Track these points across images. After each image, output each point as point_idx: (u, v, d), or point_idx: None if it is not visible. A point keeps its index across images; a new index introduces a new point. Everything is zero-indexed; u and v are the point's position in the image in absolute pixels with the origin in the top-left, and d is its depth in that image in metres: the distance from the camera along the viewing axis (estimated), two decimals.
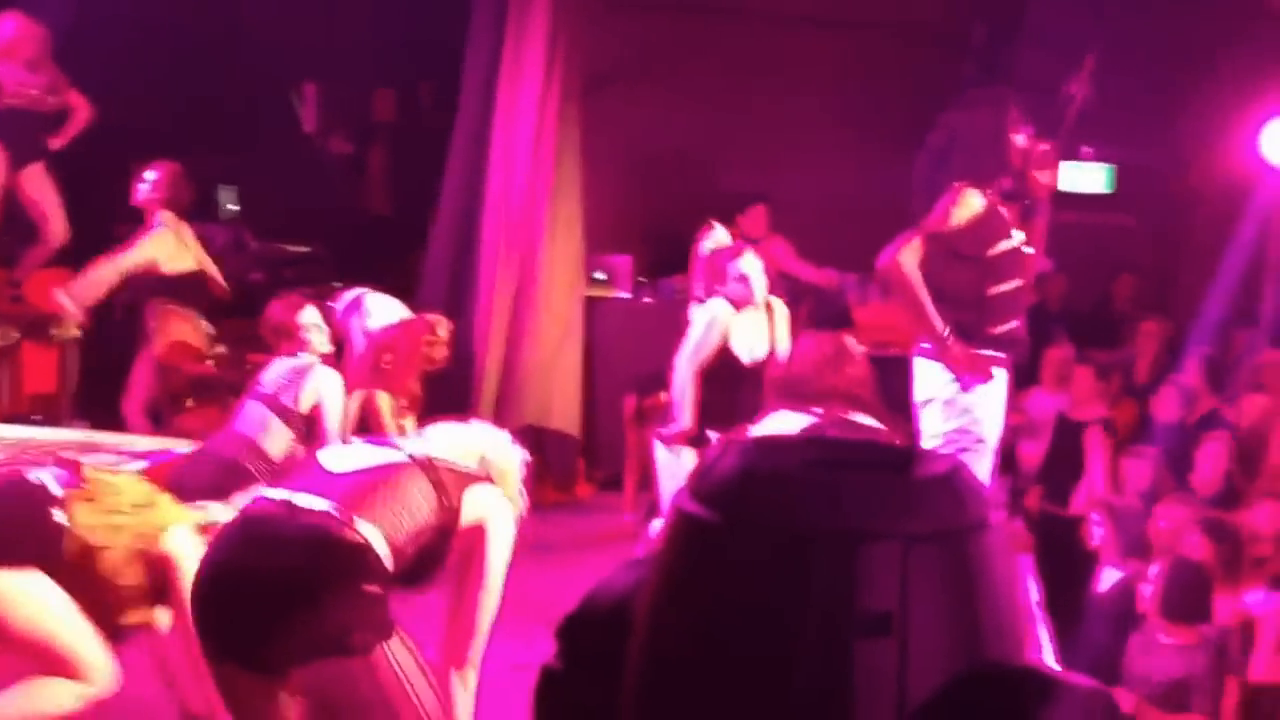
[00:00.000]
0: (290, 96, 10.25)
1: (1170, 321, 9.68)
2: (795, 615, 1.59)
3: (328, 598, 3.15)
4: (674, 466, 6.23)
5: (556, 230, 8.15)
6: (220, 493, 5.33)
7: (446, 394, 6.82)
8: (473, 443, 3.73)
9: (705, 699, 1.66)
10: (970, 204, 5.33)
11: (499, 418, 7.69)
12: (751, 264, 6.32)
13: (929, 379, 5.37)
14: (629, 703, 1.75)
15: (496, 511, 3.57)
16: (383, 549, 3.24)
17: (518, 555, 3.63)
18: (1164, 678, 5.69)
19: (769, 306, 6.40)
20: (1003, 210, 5.45)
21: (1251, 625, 5.83)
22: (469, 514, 3.49)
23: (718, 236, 6.61)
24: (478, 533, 3.52)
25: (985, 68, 9.21)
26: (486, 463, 3.68)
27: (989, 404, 5.38)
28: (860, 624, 1.57)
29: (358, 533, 3.21)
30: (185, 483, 5.45)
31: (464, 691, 3.56)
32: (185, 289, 7.20)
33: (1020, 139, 5.43)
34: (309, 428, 5.65)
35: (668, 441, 6.27)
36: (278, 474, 5.42)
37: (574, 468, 8.63)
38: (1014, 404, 8.95)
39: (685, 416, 6.16)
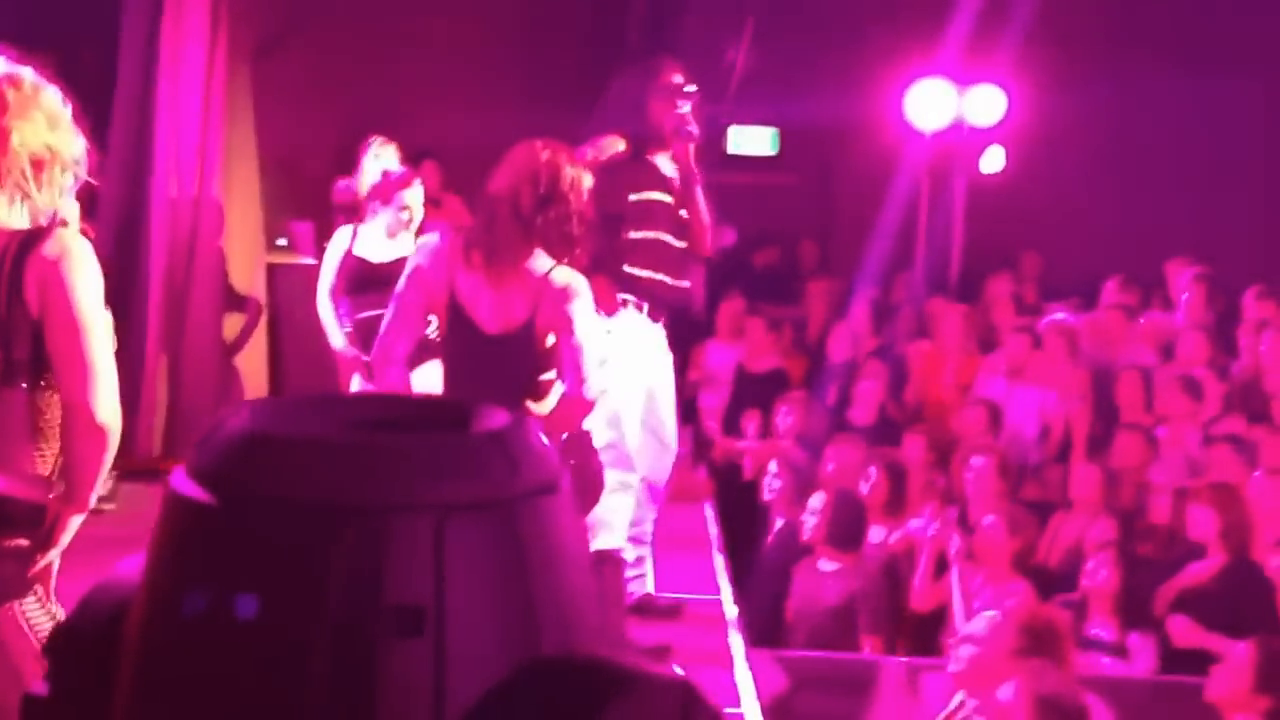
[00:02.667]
0: None
1: (836, 280, 10.21)
2: (307, 615, 1.28)
3: None
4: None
5: (232, 195, 7.95)
6: None
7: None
8: None
9: None
10: (609, 150, 5.29)
11: (178, 392, 7.52)
12: (415, 197, 6.41)
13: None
14: None
15: (66, 252, 2.96)
16: (22, 489, 2.91)
17: None
18: (829, 604, 6.06)
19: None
20: (655, 164, 5.38)
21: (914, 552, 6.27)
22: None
23: (387, 158, 6.66)
24: (55, 291, 2.92)
25: (648, 32, 9.40)
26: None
27: (626, 350, 5.27)
28: (386, 621, 1.29)
29: None
30: None
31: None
32: None
33: (685, 107, 5.40)
34: None
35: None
36: None
37: None
38: (690, 359, 9.34)
39: (334, 339, 6.39)
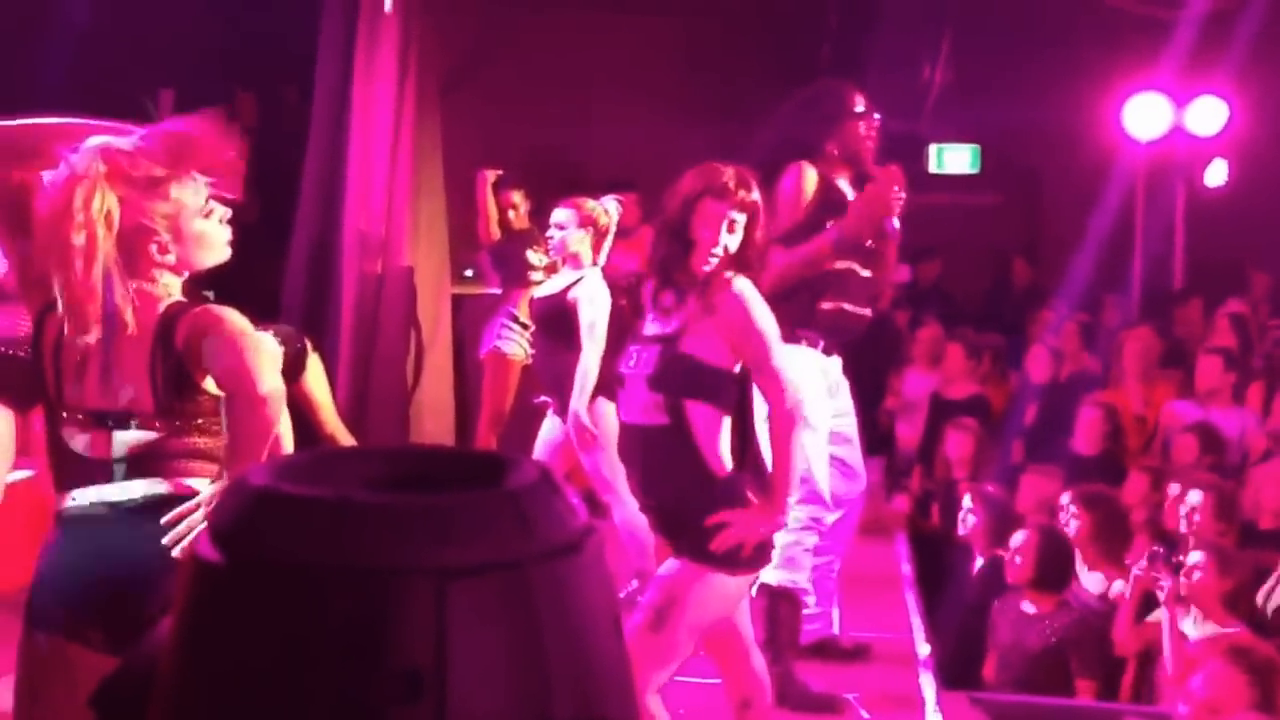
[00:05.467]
0: (146, 104, 10.01)
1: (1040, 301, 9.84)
2: (305, 679, 1.29)
3: None
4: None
5: (419, 228, 8.04)
6: None
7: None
8: None
9: None
10: (810, 179, 5.14)
11: (365, 420, 7.58)
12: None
13: None
14: None
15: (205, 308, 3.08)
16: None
17: None
18: (1034, 648, 5.71)
19: None
20: (839, 189, 5.21)
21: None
22: None
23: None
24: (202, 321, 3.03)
25: (841, 49, 9.21)
26: None
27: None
28: (385, 687, 1.27)
29: None
30: None
31: None
32: None
33: (862, 127, 5.23)
34: None
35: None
36: None
37: None
38: (887, 387, 9.09)
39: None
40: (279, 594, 1.33)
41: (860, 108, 5.26)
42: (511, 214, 8.09)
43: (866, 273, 5.23)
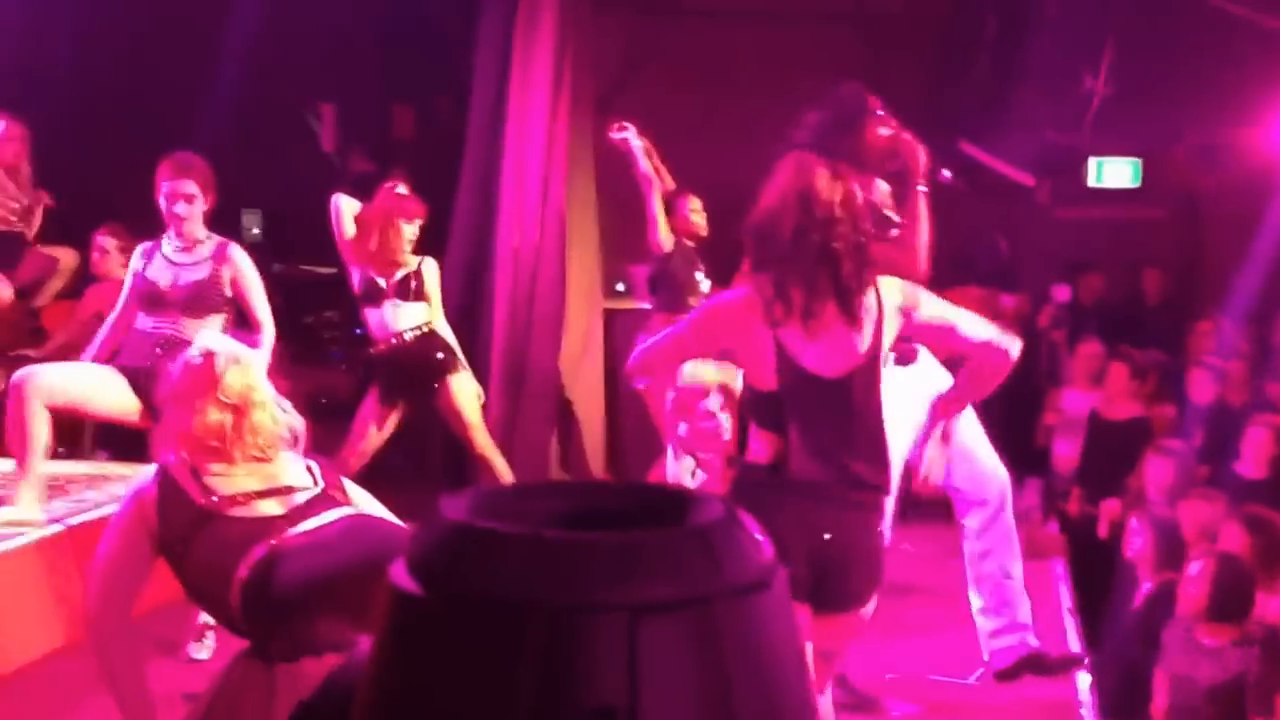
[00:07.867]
0: (307, 117, 10.23)
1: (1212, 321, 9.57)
2: (500, 712, 1.31)
3: None
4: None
5: (572, 241, 8.05)
6: None
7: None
8: None
9: None
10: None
11: (516, 437, 7.62)
12: None
13: None
14: None
15: None
16: None
17: None
18: (1212, 680, 5.53)
19: None
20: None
21: None
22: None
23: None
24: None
25: (998, 61, 9.03)
26: None
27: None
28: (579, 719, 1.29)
29: None
30: None
31: None
32: None
33: (884, 131, 5.07)
34: None
35: None
36: None
37: None
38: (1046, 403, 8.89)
39: None
40: (475, 627, 1.35)
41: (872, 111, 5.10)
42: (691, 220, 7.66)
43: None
